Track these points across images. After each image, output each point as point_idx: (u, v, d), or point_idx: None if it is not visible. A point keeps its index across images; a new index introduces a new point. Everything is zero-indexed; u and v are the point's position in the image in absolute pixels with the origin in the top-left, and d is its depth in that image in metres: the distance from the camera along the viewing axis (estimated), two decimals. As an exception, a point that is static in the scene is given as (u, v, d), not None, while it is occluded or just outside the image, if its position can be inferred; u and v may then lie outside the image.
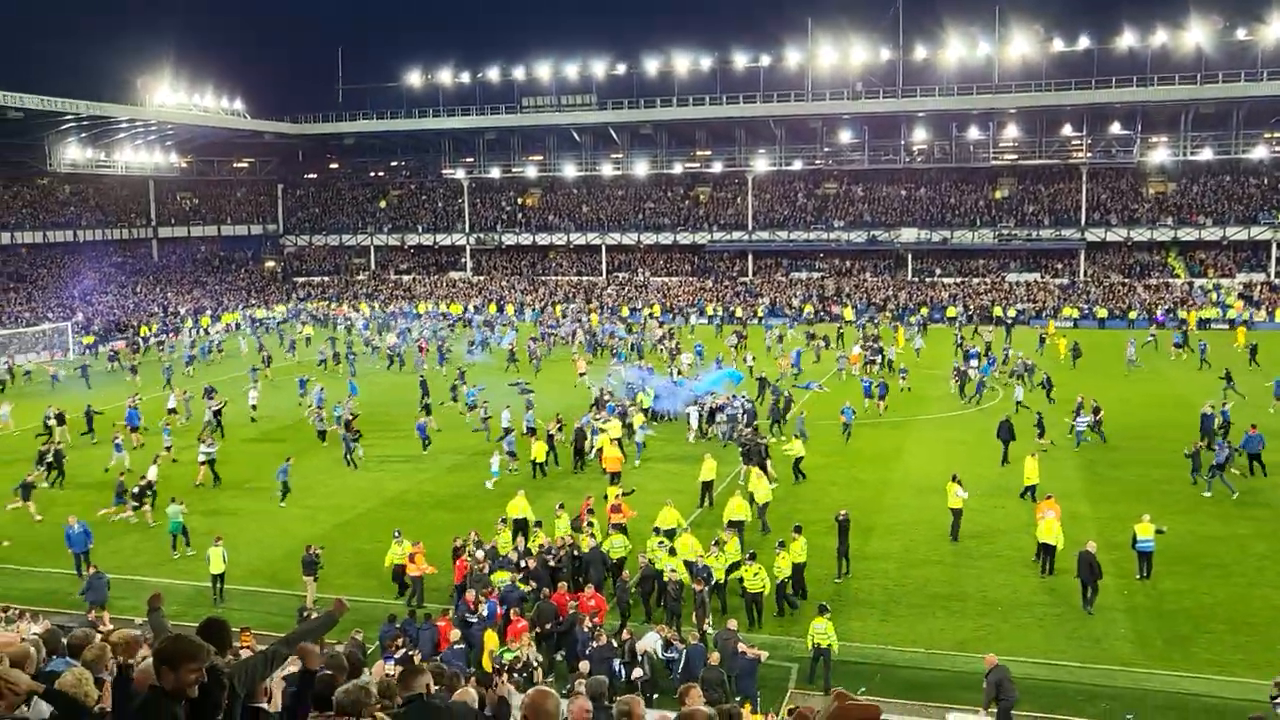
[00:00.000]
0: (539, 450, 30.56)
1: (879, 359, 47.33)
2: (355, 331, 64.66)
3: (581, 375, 44.53)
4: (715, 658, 16.13)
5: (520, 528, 23.15)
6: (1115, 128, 73.19)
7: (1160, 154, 71.88)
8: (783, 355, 48.67)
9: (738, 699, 15.68)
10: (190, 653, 4.43)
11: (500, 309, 73.35)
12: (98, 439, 35.99)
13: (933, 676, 17.74)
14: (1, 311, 63.55)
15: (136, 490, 27.51)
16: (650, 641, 17.07)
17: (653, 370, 43.31)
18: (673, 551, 20.70)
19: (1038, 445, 30.91)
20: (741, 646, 16.74)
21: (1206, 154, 70.46)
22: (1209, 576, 21.65)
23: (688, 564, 20.08)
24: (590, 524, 22.20)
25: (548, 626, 18.11)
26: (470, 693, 9.30)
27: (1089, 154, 73.09)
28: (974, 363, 44.74)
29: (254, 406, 39.95)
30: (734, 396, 36.32)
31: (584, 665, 15.61)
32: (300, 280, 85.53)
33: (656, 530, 22.35)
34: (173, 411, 38.81)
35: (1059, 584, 21.25)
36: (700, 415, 35.61)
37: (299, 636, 7.07)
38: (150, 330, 65.01)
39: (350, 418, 33.97)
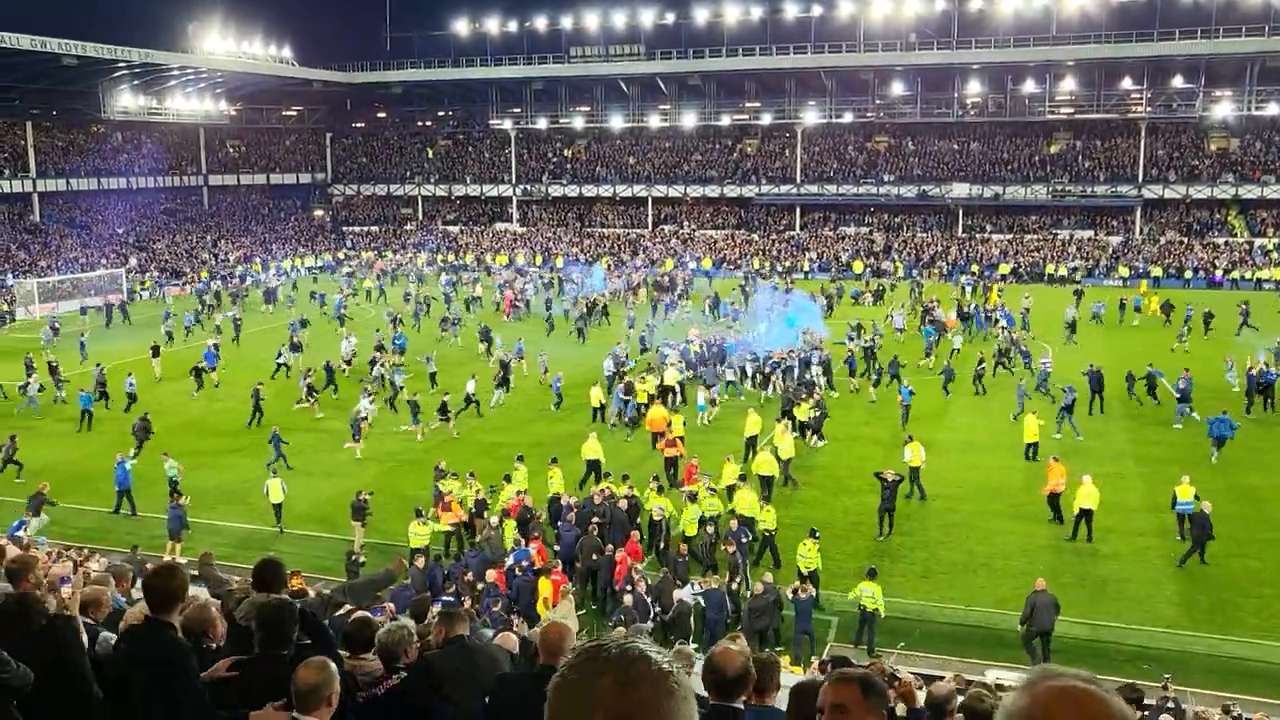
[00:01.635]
0: (597, 397, 31.10)
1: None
2: (438, 285, 64.21)
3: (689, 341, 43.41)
4: (759, 588, 16.63)
5: (593, 469, 24.23)
6: (1177, 81, 71.08)
7: (1223, 108, 69.60)
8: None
9: (778, 648, 15.92)
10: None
11: (547, 260, 73.36)
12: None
13: (972, 633, 17.80)
14: (58, 257, 64.85)
15: (442, 404, 30.13)
16: (687, 592, 17.38)
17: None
18: (661, 490, 21.73)
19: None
20: (787, 591, 17.06)
21: (1272, 109, 68.17)
22: (1260, 541, 21.35)
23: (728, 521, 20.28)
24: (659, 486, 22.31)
25: (595, 557, 18.71)
26: (511, 637, 9.56)
27: (1148, 108, 71.08)
28: (1003, 322, 44.01)
29: (347, 360, 38.64)
30: (814, 349, 35.77)
31: (628, 599, 16.24)
32: (348, 230, 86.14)
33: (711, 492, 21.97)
34: (348, 362, 38.17)
35: (1102, 545, 21.12)
36: (750, 371, 35.43)
37: (358, 588, 7.35)
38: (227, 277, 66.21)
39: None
